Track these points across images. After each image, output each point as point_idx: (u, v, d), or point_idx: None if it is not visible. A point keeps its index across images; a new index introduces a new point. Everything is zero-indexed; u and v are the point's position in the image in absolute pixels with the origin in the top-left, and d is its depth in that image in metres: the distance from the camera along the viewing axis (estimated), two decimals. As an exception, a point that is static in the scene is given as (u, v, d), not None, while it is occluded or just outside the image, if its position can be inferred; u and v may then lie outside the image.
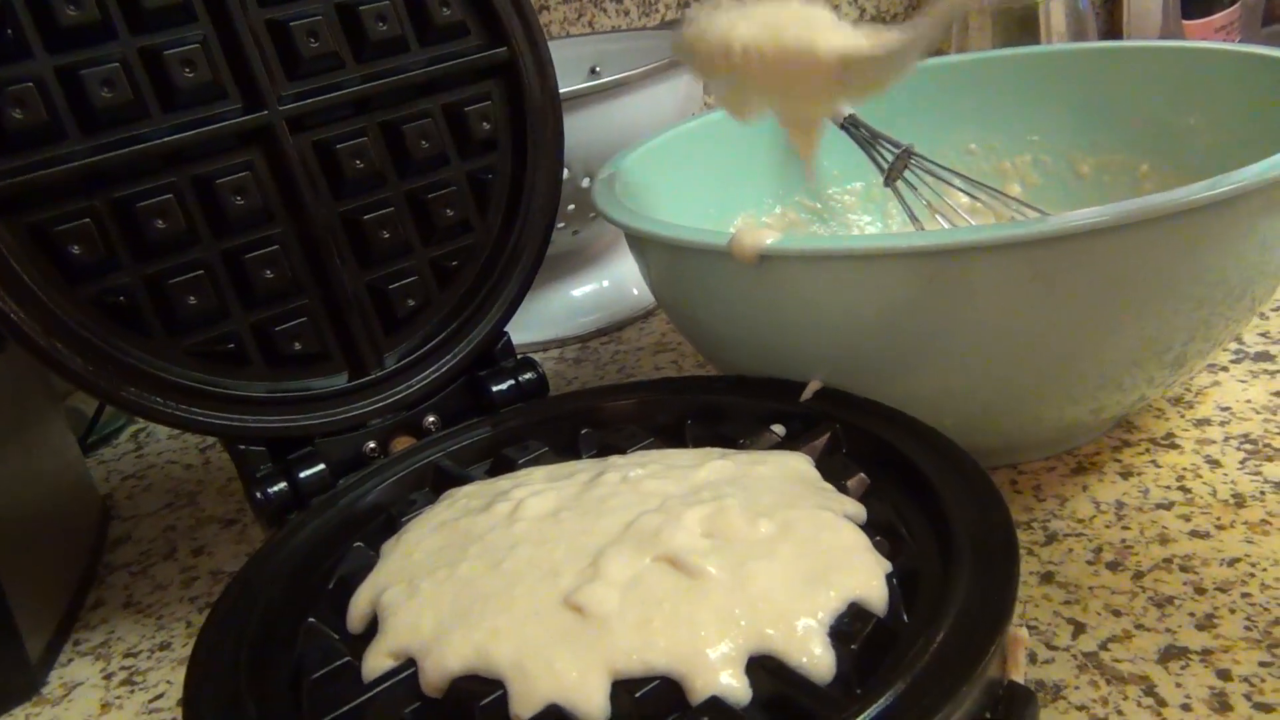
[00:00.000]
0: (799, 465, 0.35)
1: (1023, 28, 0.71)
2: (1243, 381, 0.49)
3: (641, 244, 0.46)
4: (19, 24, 0.36)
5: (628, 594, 0.29)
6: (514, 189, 0.47)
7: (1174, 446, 0.45)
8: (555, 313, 0.68)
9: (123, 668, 0.43)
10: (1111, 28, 0.99)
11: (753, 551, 0.30)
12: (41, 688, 0.43)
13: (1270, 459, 0.43)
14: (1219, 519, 0.40)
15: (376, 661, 0.30)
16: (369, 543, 0.36)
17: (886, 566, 0.30)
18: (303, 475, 0.41)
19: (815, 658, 0.27)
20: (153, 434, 0.65)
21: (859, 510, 0.33)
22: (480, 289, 0.46)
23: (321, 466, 0.41)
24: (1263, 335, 0.53)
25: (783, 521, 0.31)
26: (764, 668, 0.27)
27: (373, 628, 0.31)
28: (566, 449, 0.41)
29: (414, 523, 0.36)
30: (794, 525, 0.30)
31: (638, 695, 0.26)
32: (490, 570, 0.31)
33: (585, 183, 0.60)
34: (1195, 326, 0.39)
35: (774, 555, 0.29)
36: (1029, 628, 0.36)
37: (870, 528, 0.32)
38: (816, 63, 0.39)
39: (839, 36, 0.40)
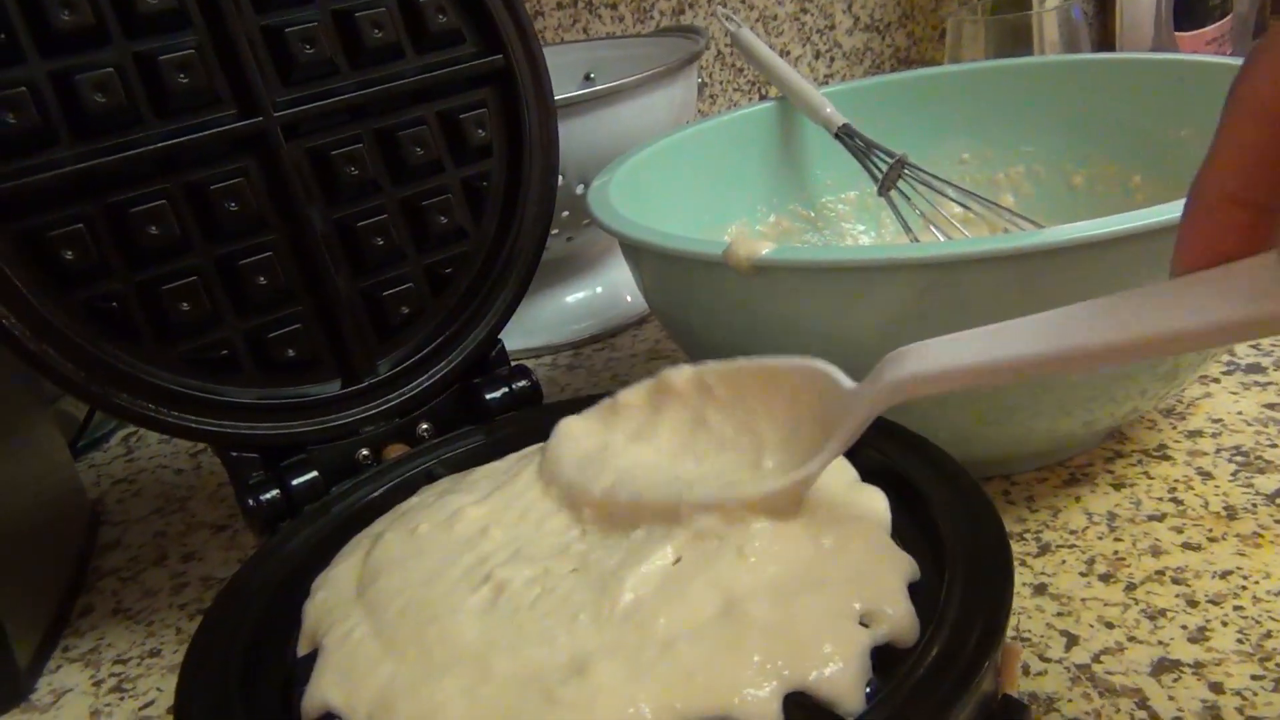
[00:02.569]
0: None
1: (1016, 39, 0.71)
2: (1234, 393, 0.49)
3: (636, 253, 0.46)
4: (12, 28, 0.36)
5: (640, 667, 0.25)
6: (509, 196, 0.47)
7: (1166, 458, 0.45)
8: (548, 319, 0.68)
9: (112, 674, 0.43)
10: (1104, 39, 0.99)
11: (807, 578, 0.28)
12: (30, 694, 0.42)
13: (1262, 471, 0.43)
14: (1211, 531, 0.40)
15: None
16: (361, 551, 0.36)
17: (914, 575, 0.29)
18: (295, 482, 0.40)
19: (852, 700, 0.25)
20: (143, 438, 0.65)
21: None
22: (474, 296, 0.46)
23: (314, 474, 0.41)
24: (1254, 347, 0.53)
25: (839, 538, 0.29)
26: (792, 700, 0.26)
27: None
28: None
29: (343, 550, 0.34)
30: (849, 544, 0.29)
31: None
32: (409, 616, 0.29)
33: (580, 189, 0.60)
34: (1188, 339, 0.39)
35: (824, 584, 0.28)
36: (1022, 640, 0.36)
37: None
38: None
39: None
